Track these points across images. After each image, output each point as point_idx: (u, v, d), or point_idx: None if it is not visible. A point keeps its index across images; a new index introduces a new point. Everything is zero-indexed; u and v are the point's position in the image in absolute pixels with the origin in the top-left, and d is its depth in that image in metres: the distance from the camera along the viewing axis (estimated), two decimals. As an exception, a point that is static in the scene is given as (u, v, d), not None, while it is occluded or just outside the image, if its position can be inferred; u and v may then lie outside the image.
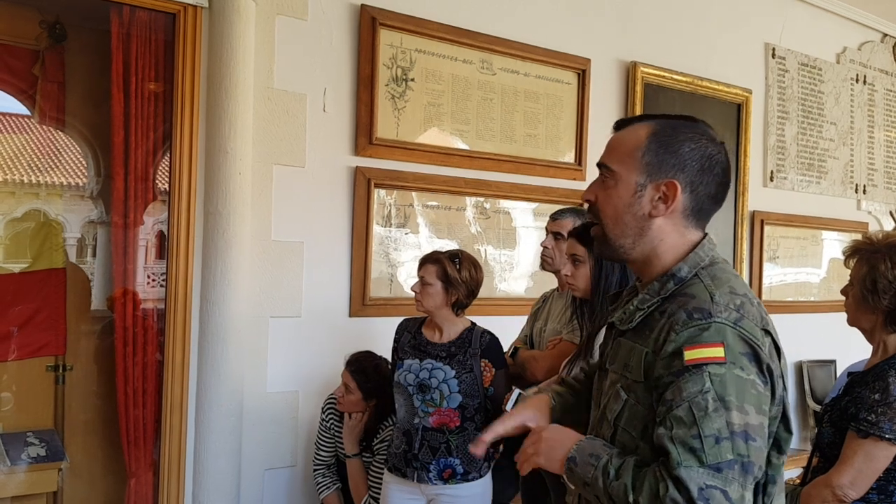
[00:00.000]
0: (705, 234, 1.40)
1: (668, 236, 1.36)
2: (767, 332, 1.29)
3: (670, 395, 1.22)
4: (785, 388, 1.31)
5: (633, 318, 1.35)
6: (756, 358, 1.23)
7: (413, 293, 2.66)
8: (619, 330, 1.39)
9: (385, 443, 2.82)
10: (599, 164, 1.41)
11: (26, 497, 3.45)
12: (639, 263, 1.41)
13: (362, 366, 2.88)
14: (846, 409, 2.03)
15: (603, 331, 2.13)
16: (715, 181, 1.36)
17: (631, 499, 1.20)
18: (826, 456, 2.06)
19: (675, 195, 1.33)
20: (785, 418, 1.29)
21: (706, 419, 1.18)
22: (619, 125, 1.43)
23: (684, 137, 1.35)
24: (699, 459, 1.16)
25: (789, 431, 1.30)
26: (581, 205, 3.88)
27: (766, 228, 4.93)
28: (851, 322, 2.18)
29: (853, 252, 2.16)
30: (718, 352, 1.21)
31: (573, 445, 1.33)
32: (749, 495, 1.19)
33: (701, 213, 1.37)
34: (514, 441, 2.43)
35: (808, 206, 5.20)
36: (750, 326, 1.25)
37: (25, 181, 11.55)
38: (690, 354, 1.22)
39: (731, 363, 1.21)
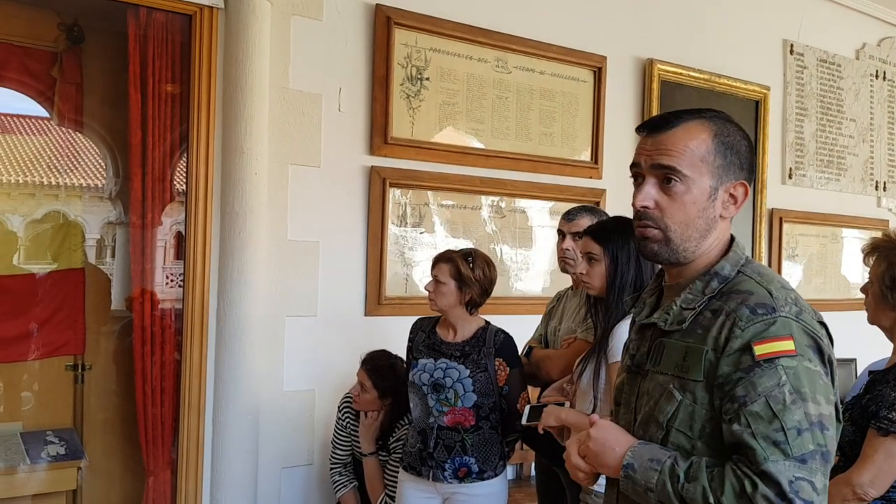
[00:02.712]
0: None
1: (724, 234, 1.38)
2: (823, 324, 1.30)
3: (742, 391, 1.21)
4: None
5: (683, 319, 1.33)
6: (819, 349, 1.25)
7: (427, 292, 2.66)
8: (661, 331, 1.37)
9: (401, 441, 2.83)
10: (662, 167, 1.33)
11: (46, 495, 3.49)
12: (686, 262, 1.38)
13: (377, 364, 2.88)
14: (867, 408, 2.01)
15: (619, 331, 2.13)
16: (753, 175, 1.39)
17: (712, 500, 1.18)
18: (846, 455, 2.04)
19: (745, 196, 1.35)
20: (836, 408, 1.28)
21: (786, 412, 1.18)
22: (661, 123, 1.37)
23: (738, 135, 1.37)
24: (784, 452, 1.17)
25: (839, 420, 1.29)
26: (598, 203, 3.88)
27: (785, 226, 4.89)
28: (871, 320, 2.16)
29: (872, 250, 2.14)
30: (789, 345, 1.22)
31: (627, 451, 1.30)
32: (828, 483, 1.21)
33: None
34: (549, 446, 2.39)
35: (827, 203, 5.16)
36: (809, 319, 1.27)
37: (45, 183, 11.68)
38: (761, 349, 1.22)
39: (801, 355, 1.22)
